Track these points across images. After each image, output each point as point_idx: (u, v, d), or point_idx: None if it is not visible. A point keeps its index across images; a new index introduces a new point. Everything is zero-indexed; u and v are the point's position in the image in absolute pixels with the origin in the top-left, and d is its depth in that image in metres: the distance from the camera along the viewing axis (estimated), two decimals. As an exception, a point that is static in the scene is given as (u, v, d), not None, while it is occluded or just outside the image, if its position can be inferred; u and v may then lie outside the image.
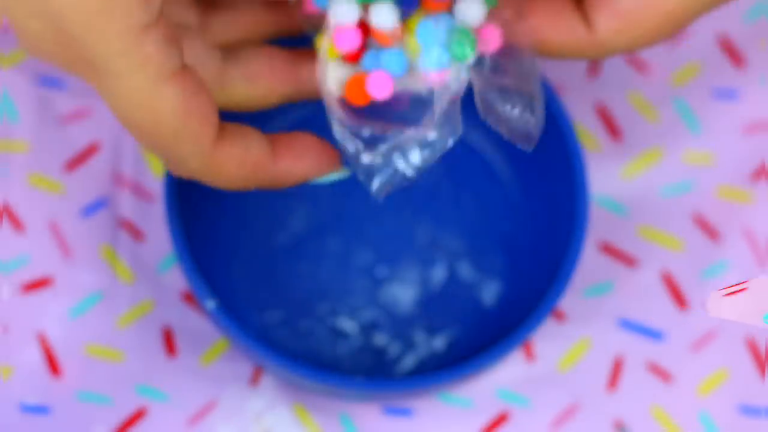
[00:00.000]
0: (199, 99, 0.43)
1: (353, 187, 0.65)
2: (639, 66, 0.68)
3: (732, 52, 0.68)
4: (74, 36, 0.39)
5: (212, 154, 0.45)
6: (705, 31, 0.69)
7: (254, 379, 0.63)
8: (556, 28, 0.46)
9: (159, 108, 0.42)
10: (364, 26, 0.47)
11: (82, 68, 0.41)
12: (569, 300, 0.64)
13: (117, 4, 0.39)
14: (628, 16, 0.44)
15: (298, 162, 0.49)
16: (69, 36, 0.39)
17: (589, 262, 0.64)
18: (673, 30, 0.44)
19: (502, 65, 0.48)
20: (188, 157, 0.44)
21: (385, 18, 0.47)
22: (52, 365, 0.62)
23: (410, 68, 0.48)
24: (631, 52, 0.44)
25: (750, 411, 0.63)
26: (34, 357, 0.62)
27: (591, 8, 0.45)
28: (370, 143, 0.49)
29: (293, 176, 0.49)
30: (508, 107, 0.49)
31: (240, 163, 0.46)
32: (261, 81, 0.50)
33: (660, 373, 0.64)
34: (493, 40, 0.47)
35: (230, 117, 0.48)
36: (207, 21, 0.50)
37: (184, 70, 0.43)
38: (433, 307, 0.64)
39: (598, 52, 0.46)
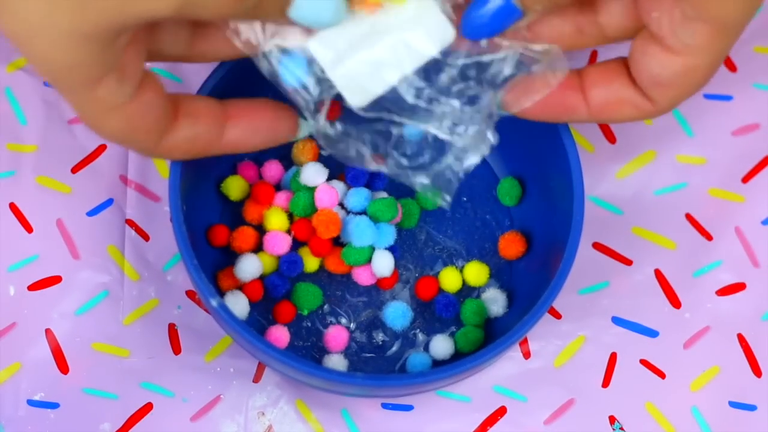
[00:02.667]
0: (148, 117, 0.50)
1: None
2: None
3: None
4: (43, 74, 0.47)
5: (157, 149, 0.52)
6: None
7: (257, 376, 0.63)
8: (623, 111, 0.54)
9: (105, 129, 0.50)
10: None
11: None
12: (565, 298, 0.64)
13: (73, 68, 0.46)
14: (676, 86, 0.51)
15: (250, 137, 0.54)
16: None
17: (585, 261, 0.65)
18: (712, 76, 0.52)
19: None
20: (135, 150, 0.52)
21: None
22: (60, 362, 0.63)
23: None
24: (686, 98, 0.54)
25: (741, 407, 0.64)
26: (42, 354, 0.63)
27: (645, 88, 0.52)
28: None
29: (242, 148, 0.55)
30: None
31: (185, 150, 0.53)
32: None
33: (653, 369, 0.64)
34: None
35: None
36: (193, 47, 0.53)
37: (137, 93, 0.49)
38: (433, 306, 0.64)
39: (661, 114, 0.54)
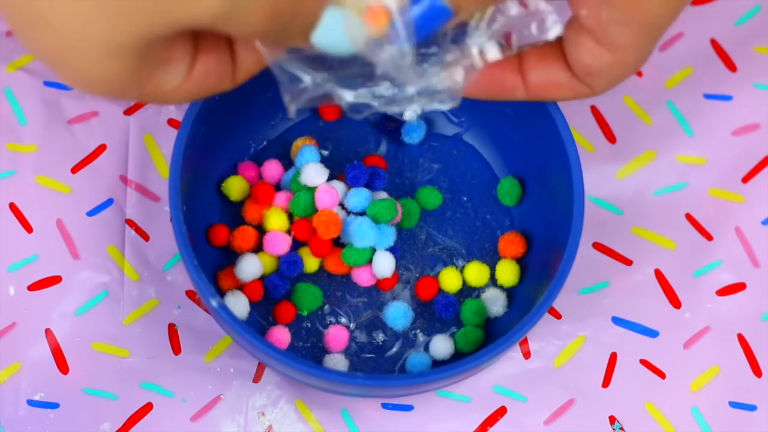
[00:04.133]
0: (207, 81, 0.49)
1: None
2: (633, 70, 0.69)
3: (724, 57, 0.69)
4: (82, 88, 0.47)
5: (231, 87, 0.51)
6: (698, 36, 0.69)
7: (257, 376, 0.63)
8: (559, 92, 0.55)
9: (171, 103, 0.50)
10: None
11: None
12: (565, 299, 0.64)
13: (113, 79, 0.46)
14: (607, 74, 0.53)
15: None
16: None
17: (585, 261, 0.65)
18: (643, 64, 0.54)
19: None
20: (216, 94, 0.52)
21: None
22: (60, 362, 0.63)
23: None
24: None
25: (741, 407, 0.64)
26: (42, 354, 0.63)
27: (579, 74, 0.54)
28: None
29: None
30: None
31: (257, 66, 0.51)
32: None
33: (653, 369, 0.64)
34: None
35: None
36: None
37: (190, 70, 0.48)
38: (433, 306, 0.64)
39: (597, 94, 0.55)
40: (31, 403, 0.62)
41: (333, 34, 0.48)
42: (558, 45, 0.54)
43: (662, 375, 0.64)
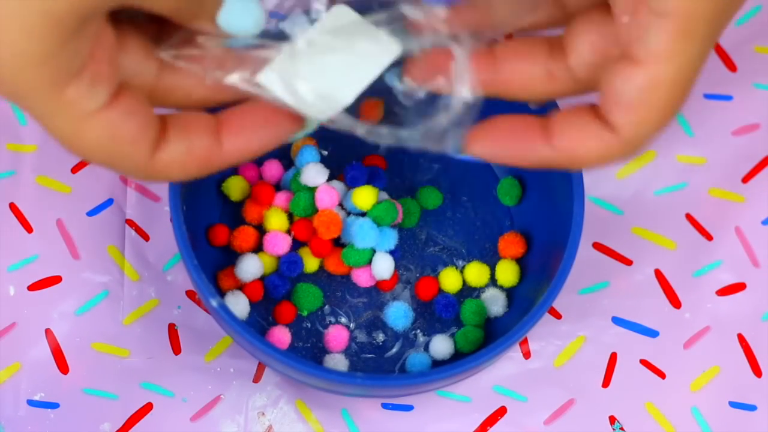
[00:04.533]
0: (129, 123, 0.45)
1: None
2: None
3: (724, 57, 0.69)
4: (5, 82, 0.43)
5: (150, 166, 0.46)
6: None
7: (257, 376, 0.63)
8: (585, 143, 0.47)
9: (84, 142, 0.44)
10: None
11: (18, 104, 0.44)
12: (565, 299, 0.64)
13: (44, 60, 0.42)
14: (638, 105, 0.45)
15: (250, 140, 0.48)
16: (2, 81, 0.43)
17: (585, 261, 0.65)
18: (683, 100, 0.46)
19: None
20: (127, 171, 0.46)
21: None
22: (60, 362, 0.63)
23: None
24: (658, 135, 0.47)
25: (741, 407, 0.64)
26: (42, 354, 0.63)
27: (606, 113, 0.46)
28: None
29: (245, 155, 0.49)
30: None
31: (182, 165, 0.47)
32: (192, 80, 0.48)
33: (653, 369, 0.64)
34: None
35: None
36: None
37: (113, 99, 0.44)
38: (433, 306, 0.64)
39: (629, 149, 0.47)
40: (31, 403, 0.62)
41: (237, 16, 0.47)
42: (590, 105, 0.48)
43: (662, 375, 0.64)
